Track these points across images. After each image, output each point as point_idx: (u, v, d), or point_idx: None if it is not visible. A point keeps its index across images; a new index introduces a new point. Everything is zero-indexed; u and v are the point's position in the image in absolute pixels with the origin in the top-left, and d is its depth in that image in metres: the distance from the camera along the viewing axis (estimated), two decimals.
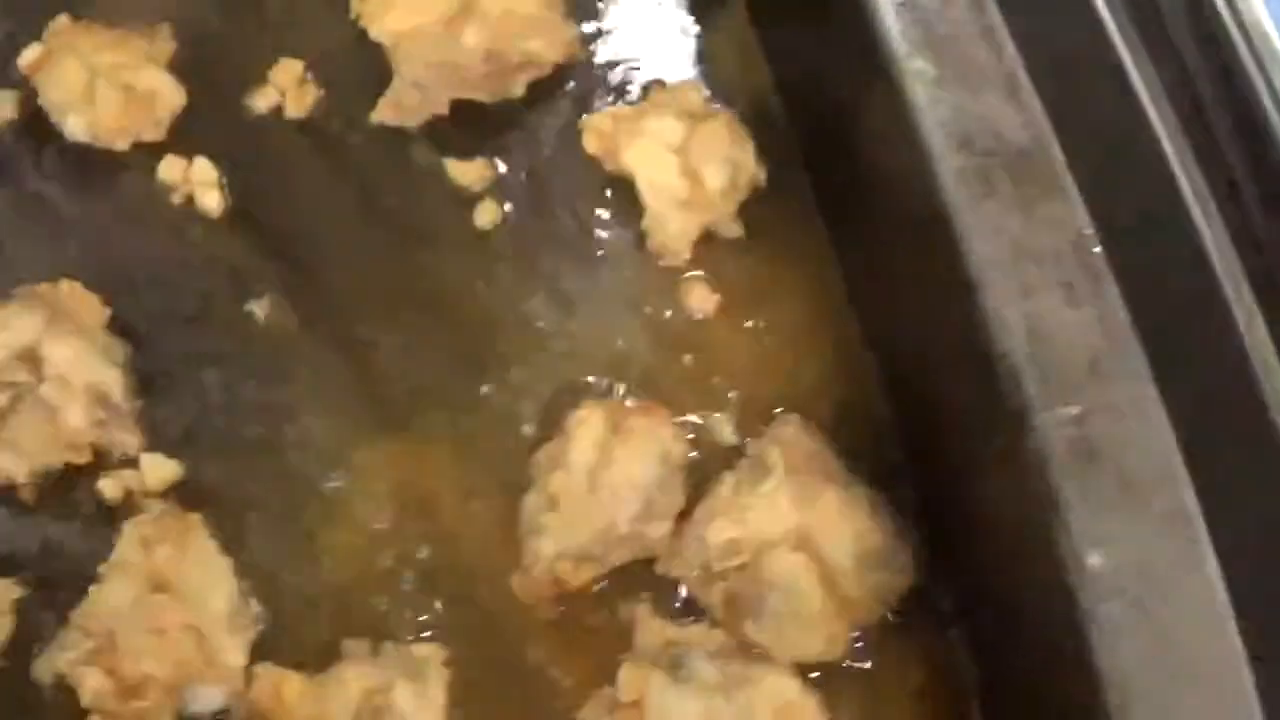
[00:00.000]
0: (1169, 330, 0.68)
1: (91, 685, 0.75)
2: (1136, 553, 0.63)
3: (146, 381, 0.86)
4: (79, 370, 0.84)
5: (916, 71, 0.74)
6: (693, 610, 0.79)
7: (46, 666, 0.78)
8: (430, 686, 0.75)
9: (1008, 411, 0.67)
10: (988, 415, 0.69)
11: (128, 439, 0.85)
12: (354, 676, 0.75)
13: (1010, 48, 0.74)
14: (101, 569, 0.78)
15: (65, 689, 0.77)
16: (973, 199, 0.70)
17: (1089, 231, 0.69)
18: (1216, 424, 0.68)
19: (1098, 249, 0.69)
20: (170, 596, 0.77)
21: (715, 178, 0.87)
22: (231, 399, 0.86)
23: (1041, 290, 0.68)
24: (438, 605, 0.80)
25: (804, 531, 0.77)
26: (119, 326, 0.87)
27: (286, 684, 0.75)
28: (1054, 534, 0.64)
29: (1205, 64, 0.74)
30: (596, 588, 0.80)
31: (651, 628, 0.78)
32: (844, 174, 0.87)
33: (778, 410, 0.84)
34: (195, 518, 0.80)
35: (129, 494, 0.83)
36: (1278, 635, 0.63)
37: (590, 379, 0.86)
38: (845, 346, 0.86)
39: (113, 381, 0.85)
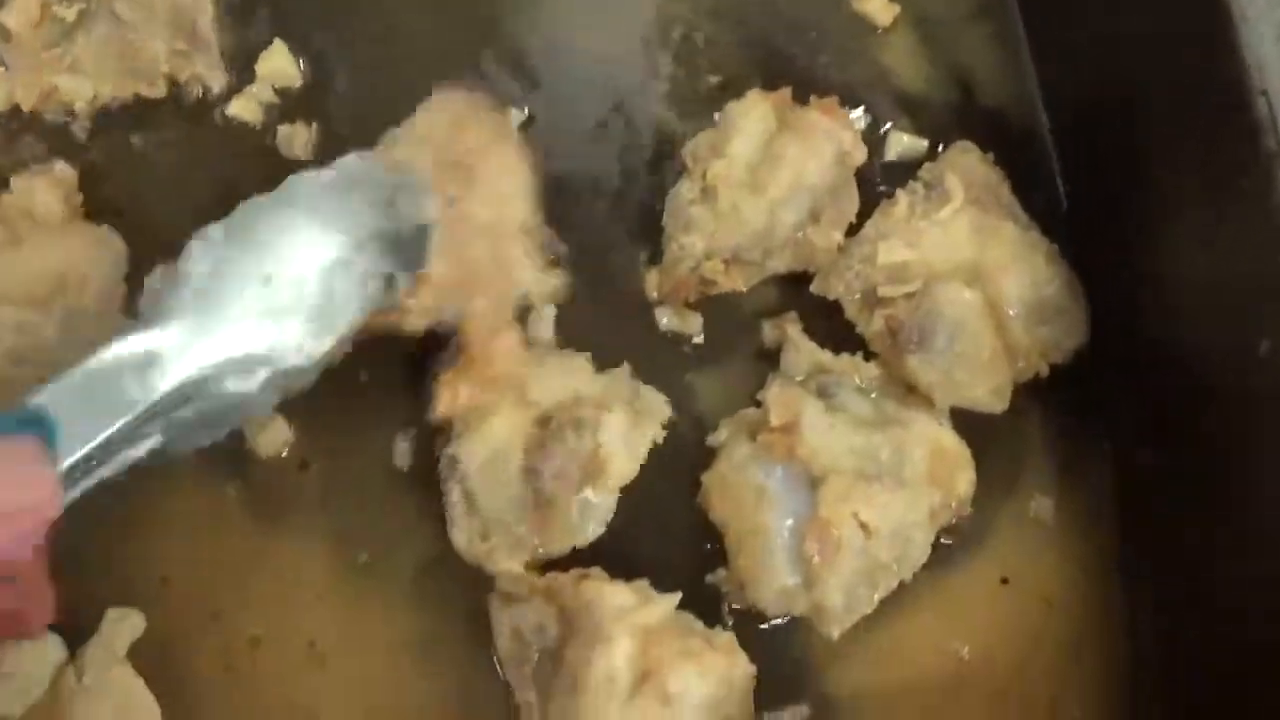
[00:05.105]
0: None
1: None
2: None
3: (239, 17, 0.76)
4: None
5: None
6: (844, 340, 0.71)
7: None
8: (642, 431, 0.66)
9: (1260, 152, 0.60)
10: (1227, 155, 0.63)
11: (212, 76, 0.75)
12: (583, 371, 0.66)
13: None
14: (394, 132, 0.67)
15: None
16: None
17: None
18: None
19: None
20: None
21: None
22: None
23: None
24: None
25: (980, 267, 0.70)
26: None
27: (507, 334, 0.66)
28: None
29: None
30: (740, 301, 0.73)
31: (802, 349, 0.70)
32: None
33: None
34: (508, 115, 0.70)
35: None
36: None
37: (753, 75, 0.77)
38: (1019, 81, 0.79)
39: (200, 6, 0.74)
